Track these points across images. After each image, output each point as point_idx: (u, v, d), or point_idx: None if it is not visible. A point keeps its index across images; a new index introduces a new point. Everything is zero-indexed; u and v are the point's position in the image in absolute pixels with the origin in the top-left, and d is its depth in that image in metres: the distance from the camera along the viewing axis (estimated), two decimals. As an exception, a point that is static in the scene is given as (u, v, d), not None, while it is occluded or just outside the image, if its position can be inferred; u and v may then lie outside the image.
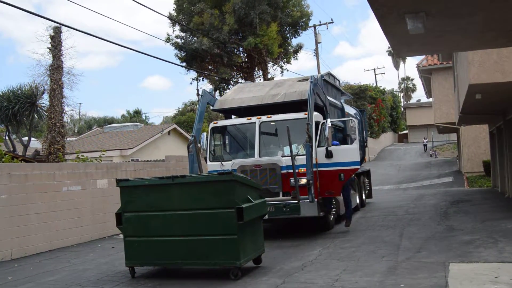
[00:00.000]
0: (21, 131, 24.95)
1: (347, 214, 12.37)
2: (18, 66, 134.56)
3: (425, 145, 53.50)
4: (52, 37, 18.24)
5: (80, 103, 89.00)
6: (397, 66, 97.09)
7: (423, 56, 27.92)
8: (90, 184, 13.92)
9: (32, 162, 14.58)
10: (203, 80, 32.82)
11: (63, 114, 18.73)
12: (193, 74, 31.26)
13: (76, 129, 59.52)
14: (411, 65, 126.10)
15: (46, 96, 20.29)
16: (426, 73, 28.03)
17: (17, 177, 11.65)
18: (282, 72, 32.13)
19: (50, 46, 18.25)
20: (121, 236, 10.53)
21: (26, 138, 22.84)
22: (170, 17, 29.24)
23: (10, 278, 9.24)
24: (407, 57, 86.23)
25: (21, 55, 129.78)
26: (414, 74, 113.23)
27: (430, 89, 30.15)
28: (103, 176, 14.42)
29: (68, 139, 23.04)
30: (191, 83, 29.74)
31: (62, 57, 18.35)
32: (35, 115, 22.07)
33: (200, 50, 27.86)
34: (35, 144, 29.69)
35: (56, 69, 18.18)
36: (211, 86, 30.29)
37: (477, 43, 9.56)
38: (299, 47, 32.21)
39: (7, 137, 21.96)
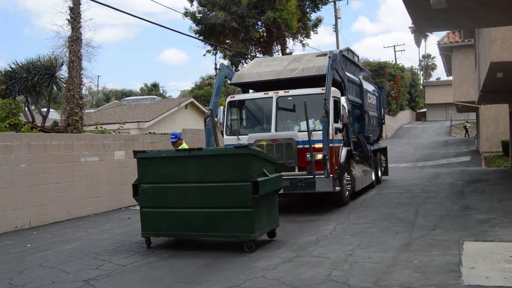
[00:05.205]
0: (40, 102, 25.20)
1: None
2: (34, 37, 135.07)
3: (466, 130, 45.92)
4: (71, 9, 18.26)
5: (98, 76, 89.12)
6: (418, 43, 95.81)
7: (445, 33, 27.45)
8: (108, 155, 14.06)
9: (51, 133, 14.73)
10: (216, 54, 32.65)
11: (82, 86, 18.84)
12: (209, 47, 31.15)
13: (94, 101, 59.81)
14: (432, 43, 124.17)
15: (65, 68, 20.43)
16: (447, 51, 27.60)
17: (36, 147, 11.80)
18: (304, 47, 31.84)
19: (69, 17, 18.27)
20: (137, 207, 10.67)
21: (45, 109, 23.06)
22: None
23: (29, 245, 9.43)
24: (429, 34, 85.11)
25: (36, 26, 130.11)
26: (435, 52, 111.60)
27: (450, 67, 29.72)
28: (120, 148, 14.55)
29: (86, 111, 23.21)
30: (204, 55, 29.97)
31: (81, 29, 18.38)
32: (54, 87, 22.23)
33: (217, 24, 27.62)
34: (54, 115, 29.98)
35: (75, 40, 18.22)
36: (227, 60, 30.14)
37: (501, 19, 9.37)
38: (318, 21, 31.78)
39: (26, 108, 22.18)
